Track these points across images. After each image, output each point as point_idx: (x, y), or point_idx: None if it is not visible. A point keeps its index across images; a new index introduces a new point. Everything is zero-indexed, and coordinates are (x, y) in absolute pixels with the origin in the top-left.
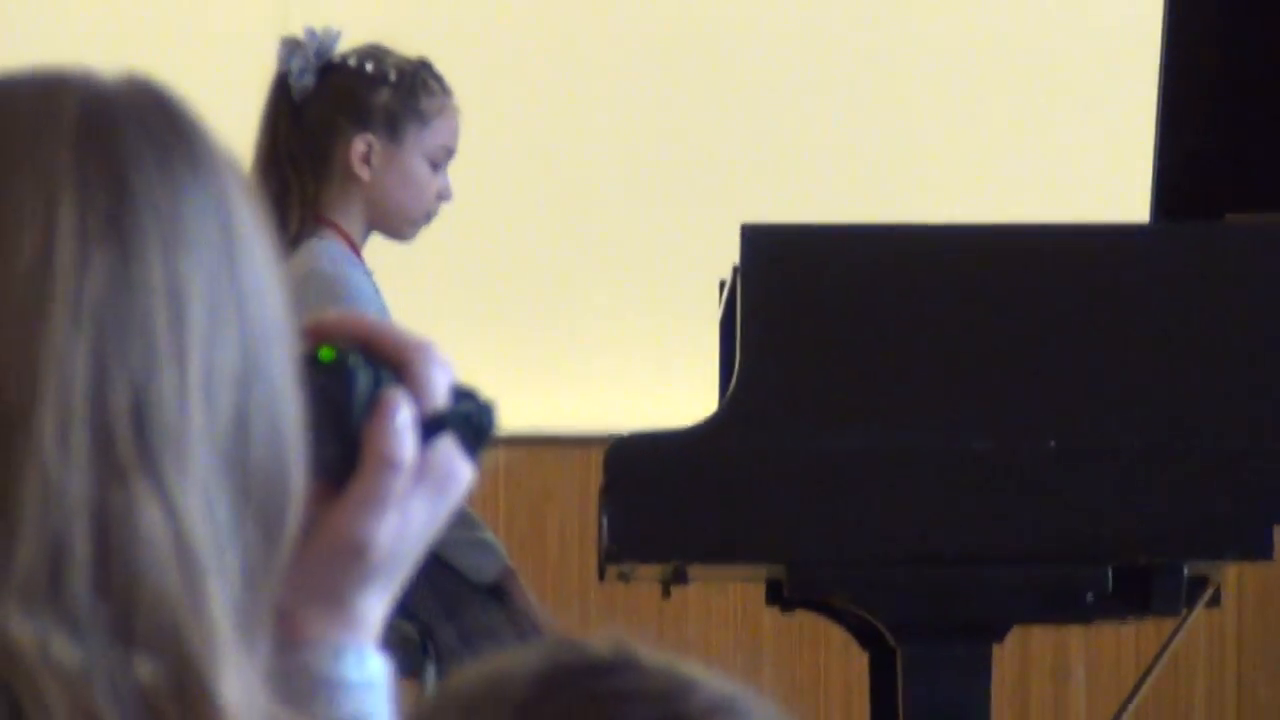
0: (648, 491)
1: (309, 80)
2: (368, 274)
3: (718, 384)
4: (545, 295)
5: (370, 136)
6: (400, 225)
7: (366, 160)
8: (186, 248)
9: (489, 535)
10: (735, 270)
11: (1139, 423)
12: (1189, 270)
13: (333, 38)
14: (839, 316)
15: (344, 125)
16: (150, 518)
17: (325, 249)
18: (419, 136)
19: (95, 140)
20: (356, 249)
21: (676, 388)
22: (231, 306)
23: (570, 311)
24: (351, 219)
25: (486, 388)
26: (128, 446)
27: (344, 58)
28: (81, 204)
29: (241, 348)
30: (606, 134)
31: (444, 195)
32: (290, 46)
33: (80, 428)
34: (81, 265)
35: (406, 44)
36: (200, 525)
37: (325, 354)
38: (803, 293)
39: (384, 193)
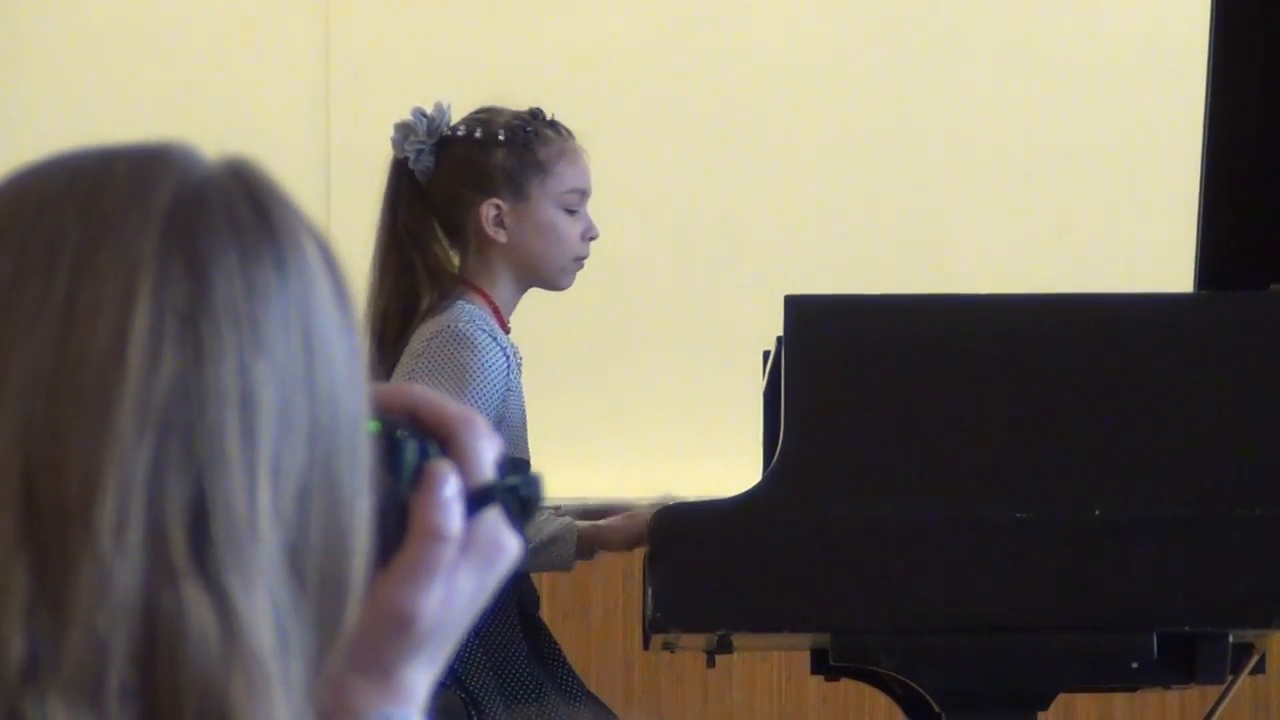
0: (693, 561)
1: (428, 160)
2: (504, 346)
3: (762, 454)
4: (589, 367)
5: (496, 199)
6: (552, 275)
7: (500, 223)
8: (262, 353)
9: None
10: (779, 341)
11: (1183, 491)
12: (1233, 339)
13: (442, 113)
14: (882, 386)
15: (468, 195)
16: (201, 620)
17: (465, 311)
18: (544, 186)
19: (181, 235)
20: (501, 315)
21: (721, 458)
22: (304, 411)
23: (615, 383)
24: (497, 283)
25: (532, 460)
26: (180, 548)
27: (454, 129)
28: (159, 301)
29: (310, 452)
30: (651, 208)
31: (589, 234)
32: (404, 131)
33: (137, 526)
34: (152, 365)
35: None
36: (264, 630)
37: (372, 426)
38: (846, 363)
39: (524, 249)
